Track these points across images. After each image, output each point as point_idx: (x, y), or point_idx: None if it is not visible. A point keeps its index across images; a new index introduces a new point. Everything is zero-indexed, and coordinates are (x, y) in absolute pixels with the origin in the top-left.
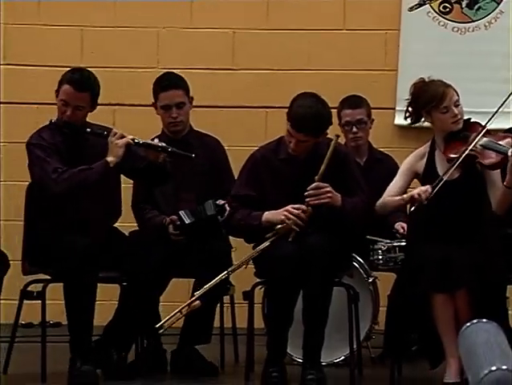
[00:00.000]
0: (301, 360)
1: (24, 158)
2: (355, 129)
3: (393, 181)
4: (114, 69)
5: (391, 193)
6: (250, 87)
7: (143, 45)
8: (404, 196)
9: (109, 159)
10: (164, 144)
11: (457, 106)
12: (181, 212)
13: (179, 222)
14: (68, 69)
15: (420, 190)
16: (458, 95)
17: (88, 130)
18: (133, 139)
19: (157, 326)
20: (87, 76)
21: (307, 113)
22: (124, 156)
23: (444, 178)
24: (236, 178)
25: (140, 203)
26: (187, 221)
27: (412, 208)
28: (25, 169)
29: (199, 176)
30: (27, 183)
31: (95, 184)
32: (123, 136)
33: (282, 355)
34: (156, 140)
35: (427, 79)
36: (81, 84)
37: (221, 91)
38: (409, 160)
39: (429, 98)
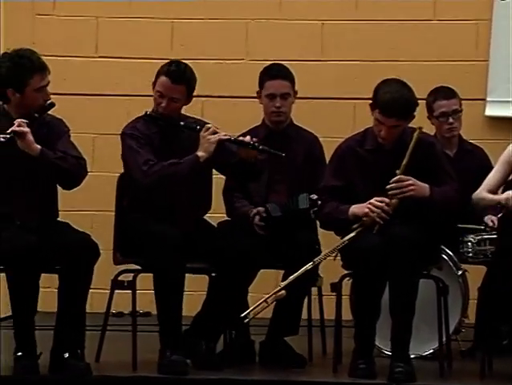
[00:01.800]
0: (389, 352)
1: (114, 149)
2: (451, 120)
3: (492, 173)
4: (203, 61)
5: (490, 186)
6: (339, 78)
7: (232, 37)
8: (501, 197)
9: (199, 154)
10: (255, 141)
11: None
12: (268, 205)
13: (265, 214)
14: (166, 61)
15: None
16: None
17: (182, 123)
18: (225, 136)
19: (242, 315)
20: (184, 69)
21: (395, 97)
22: (215, 151)
23: None
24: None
25: (231, 190)
26: (273, 214)
27: (500, 215)
28: (115, 160)
29: (293, 169)
30: (117, 174)
31: (184, 179)
32: (215, 132)
33: (370, 347)
34: (248, 137)
35: None
36: (177, 76)
37: (310, 83)
38: (508, 152)
39: None
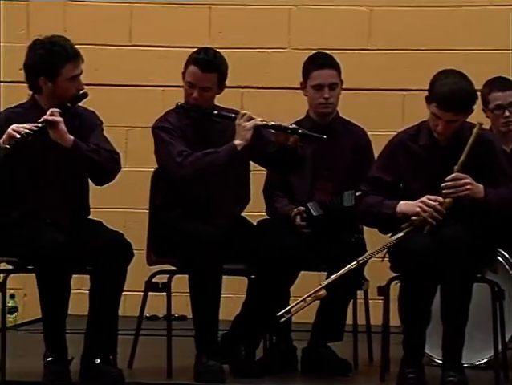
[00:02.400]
0: (440, 361)
1: (148, 143)
2: (507, 113)
3: None
4: (243, 50)
5: None
6: (387, 68)
7: (273, 24)
8: None
9: (236, 142)
10: (294, 126)
11: None
12: (309, 204)
13: (306, 214)
14: (195, 49)
15: None
16: None
17: (215, 112)
18: (261, 121)
19: (279, 314)
20: (214, 56)
21: (454, 90)
22: (253, 139)
23: None
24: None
25: (272, 189)
26: (315, 214)
27: None
28: (149, 155)
29: (340, 165)
30: (151, 169)
31: (221, 169)
32: (251, 118)
33: (420, 355)
34: (286, 122)
35: None
36: (207, 64)
37: (356, 73)
38: None
39: None
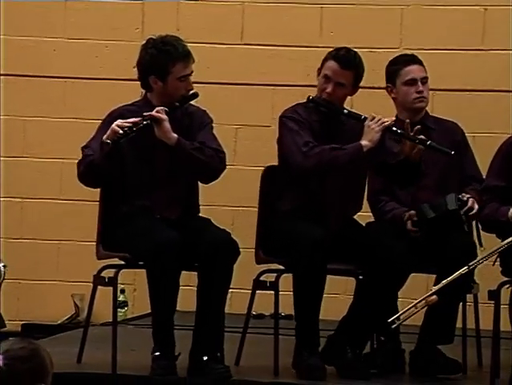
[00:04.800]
0: None
1: (257, 141)
2: None
3: None
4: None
5: None
6: (500, 69)
7: (385, 24)
8: None
9: (363, 142)
10: (423, 137)
11: None
12: (423, 206)
13: (416, 218)
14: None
15: None
16: None
17: (345, 111)
18: (390, 124)
19: (390, 320)
20: (354, 55)
21: None
22: (380, 141)
23: None
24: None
25: (377, 194)
26: (429, 216)
27: None
28: (258, 153)
29: (438, 161)
30: (260, 168)
31: (344, 166)
32: (382, 122)
33: None
34: (416, 129)
35: None
36: (346, 61)
37: (468, 74)
38: None
39: None
